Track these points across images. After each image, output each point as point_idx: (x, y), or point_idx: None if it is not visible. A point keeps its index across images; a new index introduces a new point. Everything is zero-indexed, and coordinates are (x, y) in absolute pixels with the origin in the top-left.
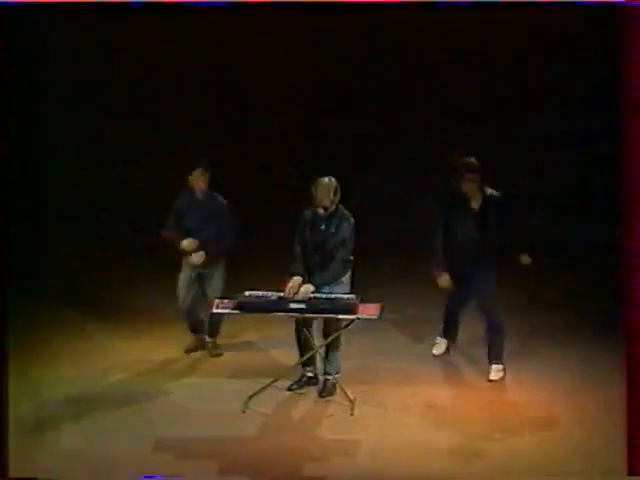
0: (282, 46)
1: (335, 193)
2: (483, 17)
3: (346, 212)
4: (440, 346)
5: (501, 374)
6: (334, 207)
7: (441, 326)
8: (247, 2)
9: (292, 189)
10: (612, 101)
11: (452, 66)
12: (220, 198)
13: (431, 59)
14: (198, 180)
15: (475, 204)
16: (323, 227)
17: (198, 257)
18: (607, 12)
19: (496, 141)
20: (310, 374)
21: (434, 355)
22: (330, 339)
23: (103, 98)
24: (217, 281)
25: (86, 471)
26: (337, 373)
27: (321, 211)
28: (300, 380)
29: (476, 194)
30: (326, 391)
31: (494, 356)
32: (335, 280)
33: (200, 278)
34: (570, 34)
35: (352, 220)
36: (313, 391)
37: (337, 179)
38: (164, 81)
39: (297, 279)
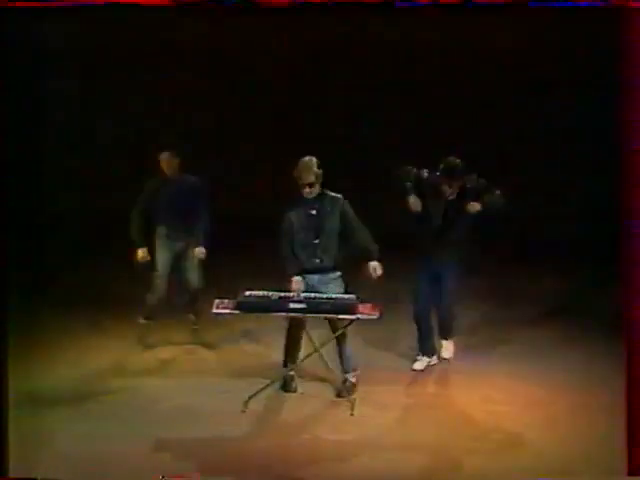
0: (277, 45)
1: (317, 169)
2: (483, 18)
3: (334, 193)
4: (422, 362)
5: (450, 352)
6: (319, 188)
7: (417, 341)
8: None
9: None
10: (612, 101)
11: (452, 66)
12: (193, 178)
13: (431, 60)
14: (168, 163)
15: (451, 197)
16: (314, 212)
17: (200, 252)
18: (607, 12)
19: (496, 140)
20: (292, 372)
21: (415, 370)
22: (326, 343)
23: (103, 98)
24: (193, 261)
25: (86, 471)
26: (355, 371)
27: (307, 190)
28: (287, 382)
29: (455, 190)
30: (345, 391)
31: (445, 333)
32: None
33: (178, 258)
34: (570, 34)
35: (341, 196)
36: (312, 391)
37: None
38: (164, 81)
39: (298, 279)
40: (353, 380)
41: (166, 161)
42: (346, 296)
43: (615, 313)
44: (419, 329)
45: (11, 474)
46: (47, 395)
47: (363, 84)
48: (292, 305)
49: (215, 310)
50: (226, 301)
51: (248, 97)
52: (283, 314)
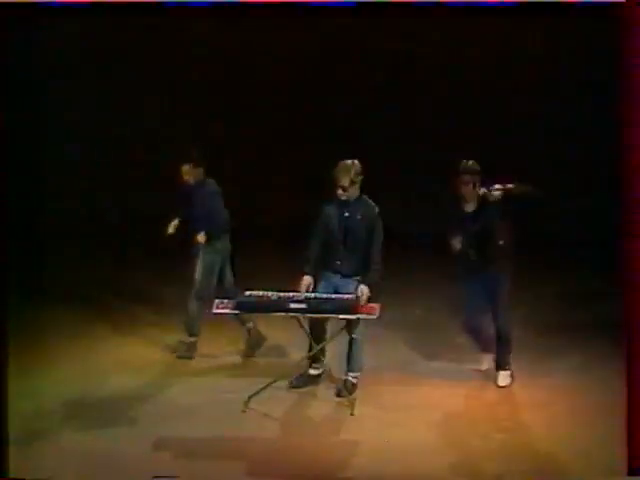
0: (282, 46)
1: (356, 174)
2: (483, 18)
3: (370, 202)
4: (484, 362)
5: (509, 380)
6: (357, 193)
7: (478, 345)
8: (245, 2)
9: (295, 188)
10: (612, 101)
11: (452, 66)
12: (212, 184)
13: (431, 60)
14: (189, 174)
15: (470, 208)
16: (347, 214)
17: (200, 237)
18: (607, 12)
19: (496, 140)
20: (314, 372)
21: (479, 370)
22: (325, 343)
23: (103, 100)
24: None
25: (86, 471)
26: (359, 372)
27: (340, 191)
28: (302, 376)
29: (473, 198)
30: (345, 391)
31: (501, 363)
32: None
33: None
34: (570, 34)
35: (377, 209)
36: (312, 391)
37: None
38: (164, 81)
39: (309, 278)
40: (354, 381)
41: (188, 172)
42: (346, 296)
43: (615, 313)
44: (475, 341)
45: (11, 474)
46: (47, 395)
47: (364, 84)
48: (292, 305)
49: (215, 310)
50: (226, 301)
51: (248, 97)
52: (283, 314)
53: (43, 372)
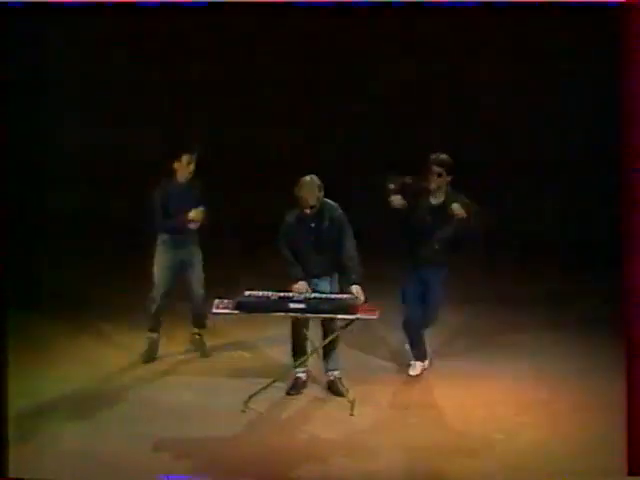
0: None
1: (320, 190)
2: (483, 18)
3: (331, 203)
4: (415, 368)
5: (419, 370)
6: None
7: (409, 348)
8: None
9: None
10: (612, 101)
11: (452, 66)
12: (199, 184)
13: (431, 59)
14: (186, 166)
15: (435, 201)
16: (313, 225)
17: (197, 212)
18: (607, 12)
19: (496, 141)
20: (302, 375)
21: (410, 375)
22: (329, 339)
23: (103, 98)
24: (198, 269)
25: (86, 471)
26: (337, 370)
27: (307, 211)
28: (296, 384)
29: (440, 191)
30: (335, 386)
31: (418, 355)
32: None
33: (182, 266)
34: (570, 34)
35: (339, 209)
36: (312, 391)
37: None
38: (164, 80)
39: (303, 283)
40: (339, 376)
41: (184, 165)
42: (345, 296)
43: (615, 313)
44: (409, 336)
45: (11, 474)
46: (47, 395)
47: (363, 83)
48: (292, 305)
49: (215, 310)
50: (226, 301)
51: (248, 97)
52: (283, 314)
53: (43, 372)
